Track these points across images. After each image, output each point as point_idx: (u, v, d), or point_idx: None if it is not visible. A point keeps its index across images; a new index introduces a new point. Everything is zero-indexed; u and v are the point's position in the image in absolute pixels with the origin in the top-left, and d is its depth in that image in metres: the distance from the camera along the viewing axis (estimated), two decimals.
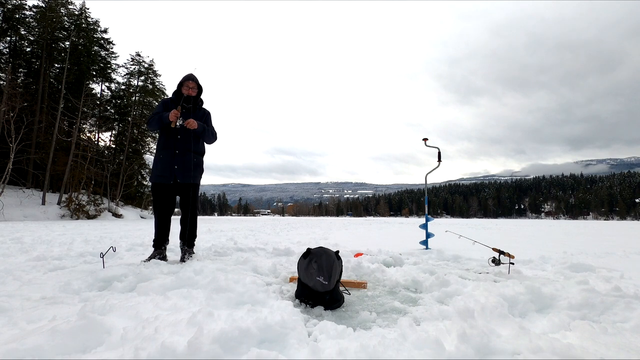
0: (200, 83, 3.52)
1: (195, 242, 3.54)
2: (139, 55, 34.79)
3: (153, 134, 33.96)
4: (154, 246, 3.36)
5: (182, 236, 3.42)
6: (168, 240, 3.42)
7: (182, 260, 3.30)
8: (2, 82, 23.65)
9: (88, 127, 31.58)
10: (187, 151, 3.32)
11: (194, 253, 3.43)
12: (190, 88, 3.41)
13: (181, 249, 3.44)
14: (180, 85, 3.43)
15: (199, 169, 3.45)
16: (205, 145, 3.58)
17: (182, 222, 3.43)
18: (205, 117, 3.50)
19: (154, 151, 34.02)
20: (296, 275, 2.18)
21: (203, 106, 3.57)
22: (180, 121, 3.21)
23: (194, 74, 3.53)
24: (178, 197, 3.49)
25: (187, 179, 3.35)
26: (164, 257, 3.32)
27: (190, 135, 3.33)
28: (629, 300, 1.82)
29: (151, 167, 3.56)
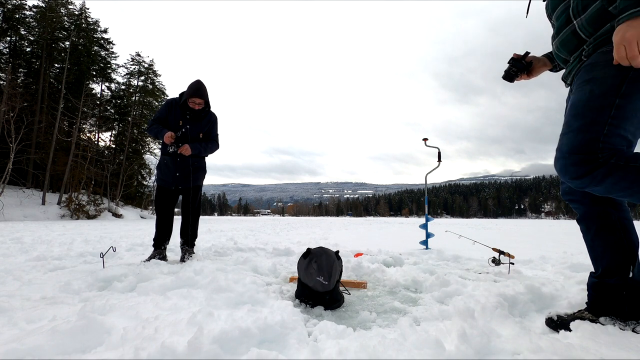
0: (209, 99, 3.33)
1: (195, 242, 3.54)
2: (139, 55, 34.87)
3: None
4: (154, 246, 3.37)
5: (183, 235, 3.42)
6: (168, 240, 3.42)
7: (182, 260, 3.30)
8: (2, 82, 23.65)
9: (88, 127, 31.62)
10: (188, 157, 3.31)
11: (194, 253, 3.43)
12: (196, 103, 3.26)
13: (181, 248, 3.45)
14: (188, 97, 3.24)
15: (201, 172, 3.45)
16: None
17: (183, 222, 3.44)
18: (210, 124, 3.40)
19: (154, 151, 34.06)
20: (296, 275, 2.18)
21: (210, 109, 3.42)
22: (173, 148, 3.22)
23: (203, 85, 3.31)
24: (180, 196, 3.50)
25: (189, 184, 3.37)
26: (164, 257, 3.32)
27: (191, 140, 3.31)
28: None
29: (152, 167, 3.57)
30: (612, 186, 1.19)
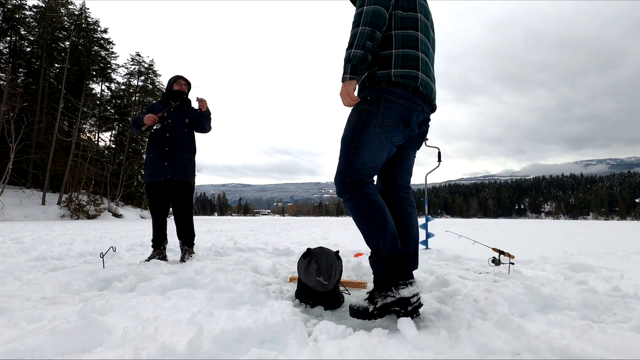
0: (190, 81, 3.70)
1: (194, 242, 3.54)
2: (139, 55, 34.88)
3: None
4: (153, 246, 3.36)
5: (180, 236, 3.42)
6: (167, 239, 3.42)
7: (182, 260, 3.30)
8: (2, 82, 23.65)
9: (88, 127, 31.61)
10: (177, 148, 3.35)
11: (194, 253, 3.43)
12: (182, 85, 3.57)
13: (181, 248, 3.44)
14: (172, 83, 3.56)
15: (189, 166, 3.45)
16: (196, 143, 3.62)
17: (176, 222, 3.42)
18: (194, 113, 3.56)
19: None
20: (296, 275, 2.18)
21: (192, 105, 3.65)
22: (159, 125, 3.40)
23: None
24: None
25: (178, 176, 3.34)
26: (163, 257, 3.32)
27: (178, 132, 3.38)
28: (629, 300, 1.82)
29: None
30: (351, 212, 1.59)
